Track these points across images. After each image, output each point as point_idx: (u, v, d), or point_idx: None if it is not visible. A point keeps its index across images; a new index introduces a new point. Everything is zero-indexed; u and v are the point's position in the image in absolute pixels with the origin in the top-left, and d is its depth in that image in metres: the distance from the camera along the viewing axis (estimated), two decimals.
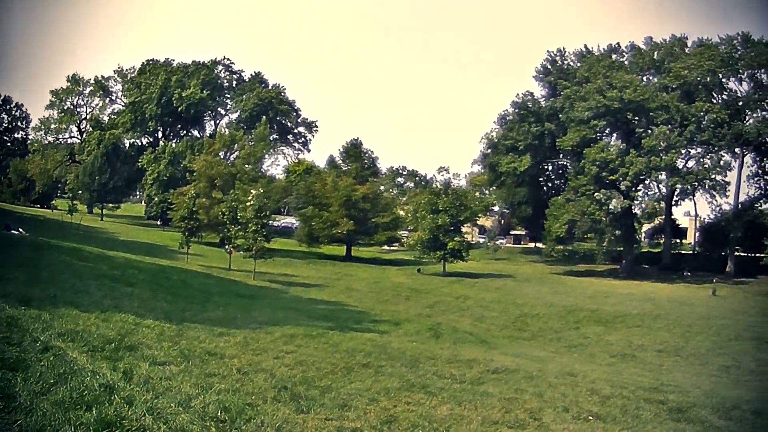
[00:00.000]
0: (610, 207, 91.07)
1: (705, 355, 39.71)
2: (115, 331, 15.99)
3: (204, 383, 12.27)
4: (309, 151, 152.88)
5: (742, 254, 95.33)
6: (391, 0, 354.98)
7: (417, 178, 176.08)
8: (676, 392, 18.27)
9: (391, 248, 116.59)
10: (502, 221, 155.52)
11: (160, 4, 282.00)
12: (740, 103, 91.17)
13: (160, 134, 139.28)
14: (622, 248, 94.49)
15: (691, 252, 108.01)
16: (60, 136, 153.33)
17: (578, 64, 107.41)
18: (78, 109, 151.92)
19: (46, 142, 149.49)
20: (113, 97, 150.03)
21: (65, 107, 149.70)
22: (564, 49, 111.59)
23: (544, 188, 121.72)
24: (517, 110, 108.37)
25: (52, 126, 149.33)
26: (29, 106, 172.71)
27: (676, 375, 30.81)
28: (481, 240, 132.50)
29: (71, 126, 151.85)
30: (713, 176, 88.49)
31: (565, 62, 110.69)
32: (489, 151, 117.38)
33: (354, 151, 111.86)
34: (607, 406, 15.08)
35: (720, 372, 35.16)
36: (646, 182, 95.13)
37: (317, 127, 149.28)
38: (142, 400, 10.01)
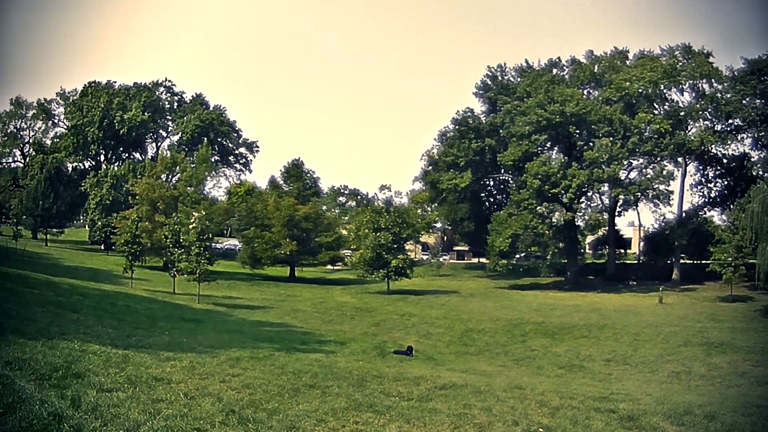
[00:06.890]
0: (553, 220, 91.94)
1: (654, 363, 40.18)
2: (62, 359, 15.68)
3: (151, 409, 12.07)
4: (250, 172, 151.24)
5: (688, 262, 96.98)
6: (329, 19, 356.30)
7: (359, 197, 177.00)
8: (626, 400, 18.36)
9: (335, 268, 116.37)
10: (445, 237, 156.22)
11: (101, 25, 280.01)
12: (682, 113, 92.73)
13: (102, 157, 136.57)
14: (566, 260, 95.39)
15: (636, 261, 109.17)
16: (3, 161, 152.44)
17: (518, 80, 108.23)
18: (21, 133, 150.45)
19: None
20: (56, 120, 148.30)
21: (8, 131, 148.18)
22: (504, 64, 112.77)
23: (486, 203, 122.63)
24: (457, 127, 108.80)
25: None
26: None
27: (626, 383, 31.08)
28: (425, 257, 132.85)
29: (14, 150, 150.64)
30: (656, 186, 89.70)
31: (506, 78, 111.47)
32: (430, 168, 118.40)
33: (295, 171, 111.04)
34: (557, 417, 15.10)
35: (670, 378, 35.65)
36: (589, 194, 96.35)
37: (258, 147, 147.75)
38: (90, 428, 9.91)
